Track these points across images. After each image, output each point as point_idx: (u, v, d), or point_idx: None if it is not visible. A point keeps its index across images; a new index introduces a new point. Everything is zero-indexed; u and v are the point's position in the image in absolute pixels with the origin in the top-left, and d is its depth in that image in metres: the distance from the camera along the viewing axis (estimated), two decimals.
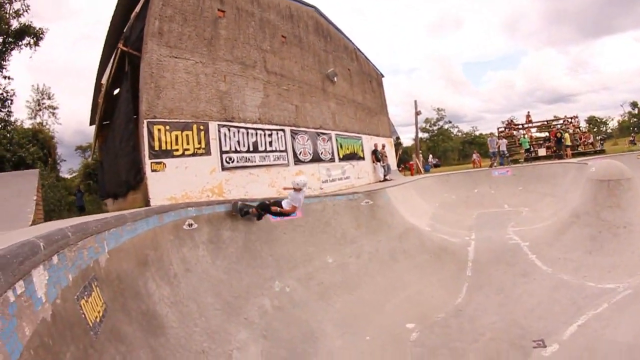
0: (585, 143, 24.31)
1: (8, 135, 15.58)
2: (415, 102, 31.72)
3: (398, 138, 33.69)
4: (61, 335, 2.19)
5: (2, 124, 16.98)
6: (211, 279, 5.40)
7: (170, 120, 8.53)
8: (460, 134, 60.53)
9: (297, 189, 6.65)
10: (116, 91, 12.52)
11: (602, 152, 22.50)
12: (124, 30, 10.76)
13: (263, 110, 11.34)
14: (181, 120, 8.76)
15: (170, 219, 5.39)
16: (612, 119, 64.23)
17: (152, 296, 4.00)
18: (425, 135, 57.53)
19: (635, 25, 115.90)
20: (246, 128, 10.50)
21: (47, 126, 28.57)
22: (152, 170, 8.01)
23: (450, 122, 59.92)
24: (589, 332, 5.74)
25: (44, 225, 6.90)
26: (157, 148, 8.10)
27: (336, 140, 15.15)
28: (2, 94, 17.18)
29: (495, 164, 20.84)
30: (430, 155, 28.79)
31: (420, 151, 29.84)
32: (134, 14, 9.88)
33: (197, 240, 5.80)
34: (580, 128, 28.18)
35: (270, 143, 11.31)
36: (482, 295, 7.79)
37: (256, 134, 10.82)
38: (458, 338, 6.32)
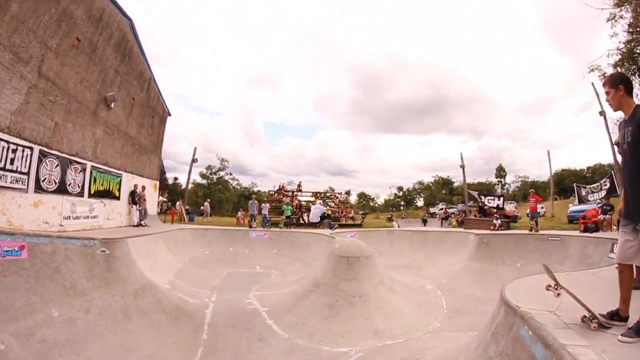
0: (346, 217, 29.91)
1: None
2: (195, 149, 32.52)
3: (176, 179, 33.73)
4: None
5: None
6: None
7: None
8: (239, 186, 64.93)
9: None
10: None
11: (359, 225, 28.11)
12: None
13: (17, 118, 9.99)
14: None
15: None
16: (380, 197, 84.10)
17: None
18: (204, 181, 59.34)
19: (418, 131, 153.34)
20: None
21: None
22: None
23: (231, 174, 63.57)
24: None
25: None
26: None
27: (91, 172, 14.24)
28: None
29: (253, 225, 23.00)
30: (207, 202, 30.07)
31: (208, 201, 31.35)
32: None
33: None
34: (347, 202, 34.43)
35: (12, 161, 9.85)
36: (216, 359, 8.30)
37: None
38: None
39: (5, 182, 9.71)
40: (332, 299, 10.41)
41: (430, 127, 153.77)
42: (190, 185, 32.67)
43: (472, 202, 29.42)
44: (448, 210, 33.57)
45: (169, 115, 23.99)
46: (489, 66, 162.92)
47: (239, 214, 27.79)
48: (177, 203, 27.50)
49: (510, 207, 27.70)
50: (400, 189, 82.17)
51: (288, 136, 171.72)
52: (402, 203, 76.87)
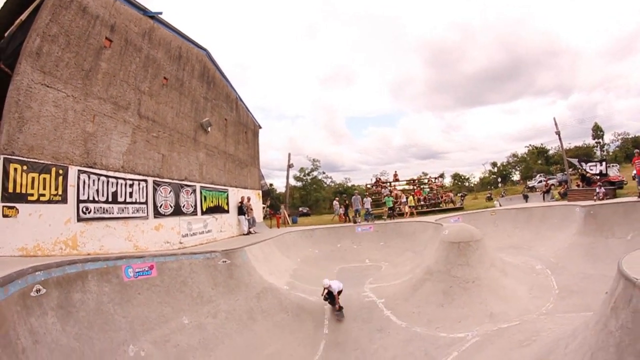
0: (446, 201, 28.84)
1: None
2: (289, 154, 33.73)
3: (271, 185, 35.01)
4: None
5: None
6: (62, 349, 5.23)
7: (29, 160, 7.89)
8: (333, 184, 65.20)
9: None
10: None
11: (461, 208, 27.01)
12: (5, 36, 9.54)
13: (128, 157, 11.09)
14: (40, 161, 8.16)
15: (16, 288, 5.05)
16: (474, 176, 79.59)
17: None
18: (299, 184, 59.99)
19: (502, 100, 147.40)
20: (107, 176, 10.14)
21: None
22: (4, 216, 7.21)
23: (324, 172, 63.71)
24: None
25: None
26: (10, 190, 7.33)
27: (201, 192, 15.29)
28: None
29: (358, 220, 22.82)
30: (336, 201, 30.28)
31: (337, 199, 31.50)
32: (18, 21, 8.97)
33: (45, 306, 5.50)
34: (444, 186, 33.18)
35: (131, 194, 11.00)
36: (338, 351, 8.57)
37: (117, 183, 10.48)
38: None
39: (128, 213, 10.86)
40: (446, 286, 10.16)
41: (513, 92, 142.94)
42: (284, 189, 33.54)
43: (571, 169, 26.60)
44: (549, 182, 30.88)
45: (260, 128, 24.95)
46: (560, 8, 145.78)
47: (341, 210, 27.76)
48: (281, 207, 28.47)
49: (614, 172, 24.60)
50: (494, 164, 77.30)
51: (371, 127, 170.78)
52: (499, 179, 71.98)
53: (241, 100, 21.49)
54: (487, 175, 76.60)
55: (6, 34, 9.36)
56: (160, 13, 13.03)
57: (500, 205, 27.26)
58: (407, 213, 25.08)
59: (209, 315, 8.73)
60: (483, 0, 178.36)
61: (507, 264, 12.06)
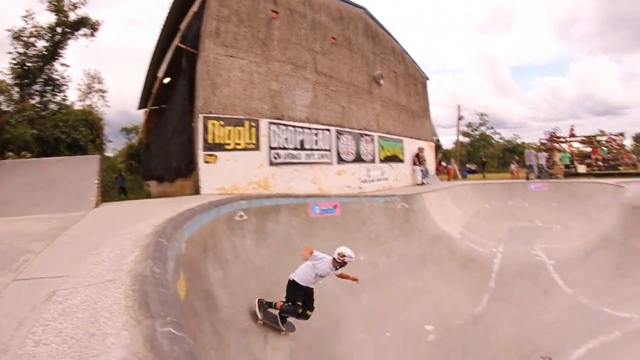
0: (627, 163, 23.06)
1: (64, 118, 16.13)
2: (459, 106, 31.31)
3: (438, 140, 33.39)
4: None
5: (59, 108, 17.68)
6: (254, 266, 5.96)
7: (224, 116, 9.20)
8: (501, 140, 57.36)
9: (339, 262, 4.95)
10: (166, 80, 13.38)
11: None
12: (181, 28, 11.29)
13: (311, 110, 11.86)
14: (234, 117, 9.42)
15: (225, 210, 5.99)
16: None
17: (210, 278, 4.65)
18: (467, 139, 54.63)
19: None
20: (294, 126, 11.10)
21: (96, 108, 27.70)
22: (205, 162, 8.76)
23: (492, 127, 56.60)
24: (596, 357, 5.86)
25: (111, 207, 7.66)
26: (210, 141, 8.83)
27: (378, 142, 15.48)
28: (58, 79, 17.79)
29: (531, 177, 20.21)
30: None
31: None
32: (191, 12, 10.45)
33: (245, 230, 6.38)
34: (625, 147, 26.54)
35: (316, 142, 11.85)
36: (501, 307, 8.01)
37: (303, 132, 11.40)
38: (471, 344, 6.70)
39: (314, 159, 11.81)
40: (620, 257, 8.41)
41: None
42: (452, 145, 31.33)
43: None
44: None
45: (427, 79, 23.54)
46: None
47: (513, 166, 25.47)
48: (451, 161, 27.28)
49: None
50: None
51: (539, 77, 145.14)
52: None
53: (406, 52, 20.49)
54: None
55: (182, 27, 10.95)
56: None
57: None
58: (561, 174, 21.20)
59: (382, 255, 8.89)
60: None
61: None
